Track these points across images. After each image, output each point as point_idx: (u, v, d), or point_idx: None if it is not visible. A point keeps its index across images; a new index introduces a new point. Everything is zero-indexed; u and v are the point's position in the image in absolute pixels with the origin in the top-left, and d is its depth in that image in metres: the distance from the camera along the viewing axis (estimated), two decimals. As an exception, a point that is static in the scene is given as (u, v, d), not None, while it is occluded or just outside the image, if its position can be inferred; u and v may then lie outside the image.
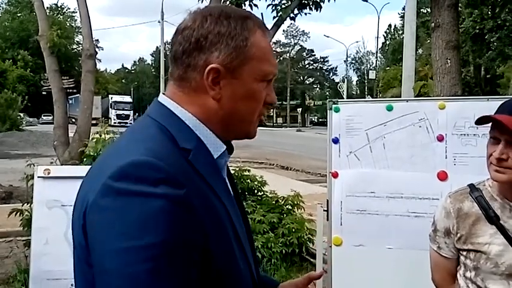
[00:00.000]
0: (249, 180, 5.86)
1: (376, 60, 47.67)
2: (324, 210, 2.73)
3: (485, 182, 1.59)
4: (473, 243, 1.53)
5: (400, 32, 47.81)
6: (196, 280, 0.82)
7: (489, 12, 23.16)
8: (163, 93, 1.00)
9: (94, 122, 6.37)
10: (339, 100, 2.78)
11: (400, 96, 6.76)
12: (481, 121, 1.48)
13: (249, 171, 6.06)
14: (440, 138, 2.52)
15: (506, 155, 1.40)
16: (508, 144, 1.40)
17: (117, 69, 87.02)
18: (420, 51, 28.19)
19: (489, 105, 2.40)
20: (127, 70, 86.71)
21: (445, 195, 1.66)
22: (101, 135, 4.54)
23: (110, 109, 41.91)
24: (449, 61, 3.94)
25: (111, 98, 44.30)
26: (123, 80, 79.18)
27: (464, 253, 1.56)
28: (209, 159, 0.95)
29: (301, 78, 65.83)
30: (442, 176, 2.50)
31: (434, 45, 4.14)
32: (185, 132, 0.94)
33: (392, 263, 2.55)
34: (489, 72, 26.56)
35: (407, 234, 2.49)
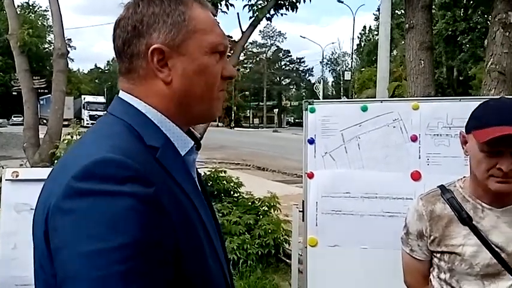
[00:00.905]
0: (225, 182, 5.83)
1: (352, 61, 48.26)
2: (300, 211, 2.73)
3: (455, 183, 1.59)
4: (447, 245, 1.52)
5: (375, 33, 48.54)
6: (170, 281, 0.79)
7: (461, 15, 23.71)
8: (122, 89, 0.96)
9: (66, 123, 6.24)
10: (315, 101, 2.78)
11: (375, 97, 6.85)
12: (491, 140, 1.37)
13: (225, 172, 6.04)
14: (414, 139, 2.54)
15: None
16: (511, 155, 1.37)
17: (91, 69, 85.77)
18: (395, 52, 28.66)
19: (462, 106, 2.44)
20: (100, 70, 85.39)
21: (416, 198, 1.65)
22: (72, 137, 4.45)
23: (83, 110, 41.22)
24: (422, 62, 3.99)
25: (84, 98, 43.60)
26: (96, 80, 78.08)
27: (438, 255, 1.56)
28: (177, 157, 0.92)
29: (278, 79, 66.06)
30: (416, 176, 2.53)
31: (408, 46, 4.19)
32: (151, 130, 0.90)
33: (367, 263, 2.55)
34: (461, 73, 27.19)
35: (382, 234, 2.50)
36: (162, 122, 0.92)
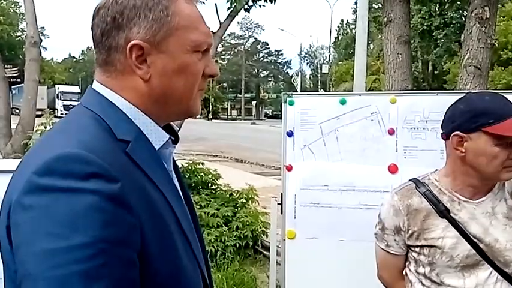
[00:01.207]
0: (202, 174, 5.80)
1: (329, 55, 48.52)
2: (278, 204, 2.73)
3: (429, 176, 1.59)
4: (426, 239, 1.52)
5: (352, 27, 48.91)
6: (136, 280, 0.76)
7: (437, 10, 24.08)
8: (97, 80, 0.92)
9: (39, 113, 6.13)
10: (294, 93, 2.77)
11: (352, 90, 6.89)
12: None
13: (202, 164, 6.00)
14: (391, 132, 2.57)
15: None
16: None
17: (65, 58, 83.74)
18: (371, 46, 28.96)
19: (438, 100, 2.47)
20: (75, 59, 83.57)
21: (390, 193, 1.64)
22: (45, 127, 4.35)
23: (57, 100, 40.34)
24: (400, 56, 4.04)
25: (58, 88, 42.65)
26: (70, 70, 76.38)
27: (417, 249, 1.56)
28: (150, 150, 0.89)
29: (256, 71, 65.96)
30: (393, 169, 2.56)
31: (386, 39, 4.23)
32: (123, 123, 0.87)
33: (344, 255, 2.58)
34: (436, 68, 27.69)
35: (359, 226, 2.52)
36: (136, 115, 0.89)
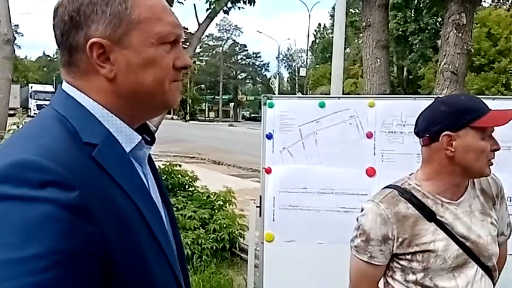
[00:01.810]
0: (179, 175, 5.75)
1: (307, 58, 48.90)
2: (257, 206, 2.72)
3: (408, 181, 1.58)
4: (418, 245, 1.51)
5: (329, 31, 49.40)
6: None
7: (412, 16, 24.56)
8: (65, 80, 0.89)
9: (11, 112, 5.97)
10: (273, 96, 2.77)
11: (329, 94, 6.94)
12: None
13: (179, 166, 5.95)
14: (369, 135, 2.59)
15: None
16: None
17: (39, 57, 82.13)
18: (348, 50, 29.29)
19: (415, 104, 2.50)
20: (49, 58, 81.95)
21: (372, 204, 1.57)
22: (18, 127, 4.24)
23: (30, 99, 39.46)
24: (378, 60, 4.09)
25: (31, 87, 41.76)
26: (44, 69, 74.92)
27: (409, 256, 1.53)
28: (119, 154, 0.85)
29: (234, 73, 65.89)
30: (371, 172, 2.58)
31: (365, 44, 4.27)
32: (91, 124, 0.83)
33: (322, 257, 2.58)
34: (411, 73, 28.20)
35: (337, 229, 2.53)
36: (105, 117, 0.85)
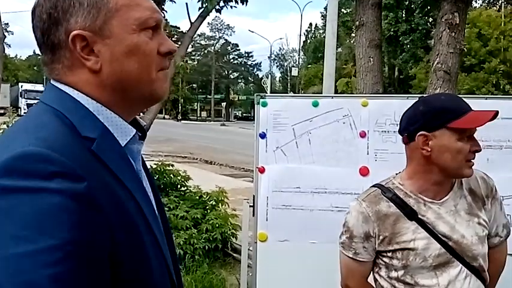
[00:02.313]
0: (171, 175, 5.72)
1: (299, 58, 48.96)
2: (250, 206, 2.70)
3: (392, 180, 1.61)
4: (398, 243, 1.54)
5: (321, 31, 49.51)
6: (106, 283, 0.73)
7: (403, 16, 24.71)
8: (54, 78, 0.88)
9: (1, 111, 5.92)
10: (267, 94, 2.76)
11: (322, 94, 6.94)
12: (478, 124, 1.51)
13: (172, 165, 5.92)
14: (363, 135, 2.59)
15: None
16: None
17: (29, 56, 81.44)
18: (340, 50, 29.39)
19: (408, 104, 2.48)
20: (39, 57, 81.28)
21: (356, 200, 1.63)
22: (8, 126, 4.19)
23: (20, 98, 39.15)
24: (372, 59, 4.09)
25: (22, 86, 41.45)
26: (35, 68, 74.30)
27: (390, 254, 1.56)
28: (116, 148, 0.85)
29: (226, 72, 65.81)
30: (364, 172, 2.57)
31: (358, 43, 4.28)
32: (87, 119, 0.83)
33: (315, 257, 2.58)
34: (402, 73, 28.36)
35: (331, 228, 2.51)
36: (99, 111, 0.85)
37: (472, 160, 1.50)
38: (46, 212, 0.67)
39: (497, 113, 1.47)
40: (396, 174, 1.63)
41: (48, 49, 0.85)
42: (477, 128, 1.50)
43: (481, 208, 1.59)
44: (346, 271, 1.68)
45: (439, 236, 1.51)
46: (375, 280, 1.65)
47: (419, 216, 1.53)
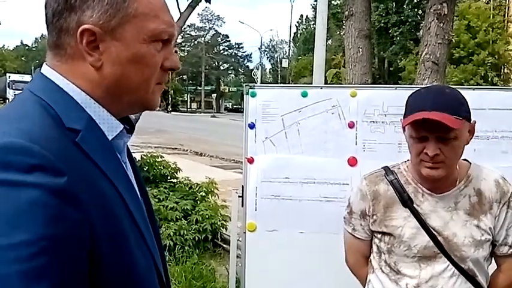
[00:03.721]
0: (161, 167, 5.71)
1: (289, 49, 48.89)
2: (239, 196, 2.71)
3: (400, 165, 1.63)
4: (387, 226, 1.56)
5: (312, 23, 49.45)
6: (82, 280, 0.72)
7: (394, 8, 24.74)
8: (47, 64, 0.86)
9: (-12, 102, 5.82)
10: (256, 85, 2.75)
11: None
12: (408, 122, 1.45)
13: (162, 157, 5.91)
14: (351, 125, 2.59)
15: (439, 150, 1.41)
16: (438, 140, 1.40)
17: (16, 46, 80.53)
18: (330, 42, 29.38)
19: (397, 94, 2.51)
20: (27, 47, 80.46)
21: (361, 178, 1.68)
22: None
23: (8, 89, 38.63)
24: (361, 50, 4.09)
25: (9, 76, 40.88)
26: (22, 58, 73.49)
27: (379, 236, 1.60)
28: (102, 140, 0.84)
29: (216, 63, 65.52)
30: (352, 162, 2.58)
31: (347, 33, 4.28)
32: (73, 110, 0.81)
33: (304, 246, 2.59)
34: (392, 65, 28.46)
35: (319, 218, 2.55)
36: (87, 103, 0.84)
37: (426, 162, 1.43)
38: (22, 206, 0.66)
39: (450, 127, 1.37)
40: (408, 160, 1.61)
41: (54, 31, 0.83)
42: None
43: (486, 212, 1.52)
44: (347, 246, 1.74)
45: (430, 228, 1.50)
46: (370, 260, 1.68)
47: (414, 205, 1.53)
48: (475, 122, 1.50)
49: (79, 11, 0.81)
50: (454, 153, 1.43)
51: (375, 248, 1.64)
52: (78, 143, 0.77)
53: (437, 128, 1.37)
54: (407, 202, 1.53)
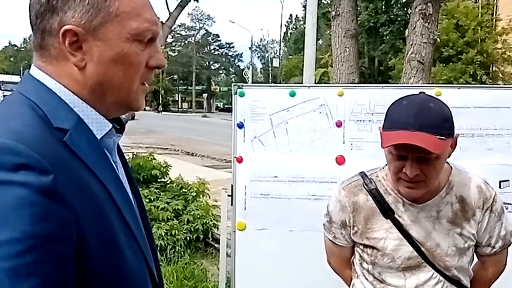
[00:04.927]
0: (152, 167, 5.69)
1: (280, 49, 48.91)
2: (229, 195, 2.73)
3: (377, 173, 1.56)
4: (369, 239, 1.51)
5: (301, 22, 49.48)
6: (70, 278, 0.73)
7: (383, 7, 24.85)
8: (35, 65, 0.87)
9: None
10: (244, 84, 2.77)
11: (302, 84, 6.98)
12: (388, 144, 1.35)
13: (153, 157, 5.89)
14: (339, 124, 2.62)
15: (419, 170, 1.34)
16: (418, 160, 1.33)
17: (5, 47, 79.79)
18: (320, 41, 29.45)
19: (383, 93, 2.55)
20: (16, 48, 79.71)
21: (338, 187, 1.61)
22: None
23: (-3, 90, 38.31)
24: (347, 49, 4.14)
25: (-2, 77, 40.53)
26: (11, 59, 72.80)
27: (361, 247, 1.56)
28: (91, 140, 0.85)
29: (207, 63, 65.39)
30: (340, 160, 2.62)
31: (334, 33, 4.32)
32: (61, 110, 0.82)
33: (293, 245, 2.62)
34: (382, 64, 28.60)
35: (308, 216, 2.57)
36: (75, 103, 0.84)
37: (405, 181, 1.37)
38: (9, 205, 0.67)
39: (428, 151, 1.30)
40: (385, 166, 1.52)
41: (38, 32, 0.84)
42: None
43: (469, 219, 1.48)
44: (329, 251, 1.71)
45: (413, 239, 1.46)
46: (352, 264, 1.66)
47: (396, 216, 1.47)
48: (458, 135, 1.43)
49: (61, 12, 0.81)
50: (435, 172, 1.37)
51: (357, 256, 1.60)
52: (66, 142, 0.78)
53: (417, 150, 1.29)
54: (388, 213, 1.48)
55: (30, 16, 0.85)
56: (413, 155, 1.33)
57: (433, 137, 1.29)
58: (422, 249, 1.46)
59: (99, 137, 0.86)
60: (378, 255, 1.50)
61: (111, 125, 0.89)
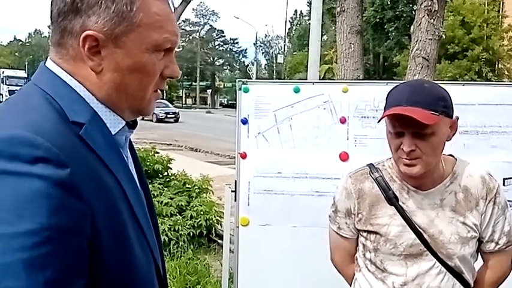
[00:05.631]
0: (156, 162, 5.71)
1: (284, 45, 48.79)
2: (232, 191, 2.73)
3: (384, 162, 1.60)
4: (372, 225, 1.54)
5: (306, 18, 49.36)
6: (83, 270, 0.74)
7: (389, 3, 24.73)
8: (51, 59, 0.88)
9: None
10: (248, 80, 2.77)
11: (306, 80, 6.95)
12: (383, 119, 1.43)
13: (157, 153, 5.91)
14: (343, 121, 2.62)
15: (415, 146, 1.38)
16: (414, 136, 1.38)
17: (10, 41, 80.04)
18: (325, 37, 29.36)
19: (388, 89, 2.52)
20: (21, 42, 79.96)
21: (345, 176, 1.65)
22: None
23: (1, 84, 38.42)
24: (352, 45, 4.12)
25: (3, 72, 40.62)
26: (16, 53, 73.06)
27: (365, 234, 1.58)
28: (105, 134, 0.86)
29: (211, 59, 65.29)
30: (344, 157, 2.61)
31: (339, 29, 4.30)
32: (78, 104, 0.83)
33: (296, 241, 2.62)
34: (387, 60, 28.49)
35: (311, 212, 2.57)
36: (90, 99, 0.85)
37: (404, 159, 1.41)
38: (26, 197, 0.68)
39: (425, 123, 1.35)
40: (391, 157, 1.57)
41: (58, 30, 0.85)
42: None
43: (472, 209, 1.50)
44: (333, 244, 1.72)
45: (416, 226, 1.48)
46: (356, 258, 1.67)
47: (400, 203, 1.50)
48: (458, 118, 1.47)
49: (84, 15, 0.82)
50: (431, 148, 1.40)
51: (360, 247, 1.63)
52: (81, 136, 0.79)
53: (412, 124, 1.34)
54: (392, 200, 1.51)
55: (51, 11, 0.85)
56: (409, 130, 1.38)
57: (426, 111, 1.35)
58: (425, 235, 1.48)
59: (113, 132, 0.88)
60: (381, 240, 1.52)
61: (124, 123, 0.90)
